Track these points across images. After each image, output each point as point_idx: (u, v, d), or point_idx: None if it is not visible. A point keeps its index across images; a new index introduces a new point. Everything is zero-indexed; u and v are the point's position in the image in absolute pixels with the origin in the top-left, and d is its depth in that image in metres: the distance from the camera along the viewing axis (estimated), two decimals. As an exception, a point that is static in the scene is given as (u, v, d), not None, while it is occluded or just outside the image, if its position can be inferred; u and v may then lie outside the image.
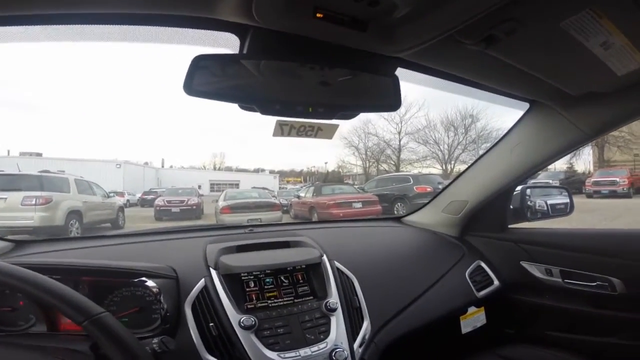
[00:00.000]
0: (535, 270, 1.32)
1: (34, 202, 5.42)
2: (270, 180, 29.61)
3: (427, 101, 21.50)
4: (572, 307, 1.25)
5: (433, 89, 1.05)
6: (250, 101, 0.67)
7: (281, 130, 0.78)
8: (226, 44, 0.70)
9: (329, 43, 0.69)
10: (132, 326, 0.79)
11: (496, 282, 1.35)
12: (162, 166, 31.95)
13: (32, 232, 5.33)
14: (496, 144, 1.34)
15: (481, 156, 1.42)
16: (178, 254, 1.03)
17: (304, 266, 1.00)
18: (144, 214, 10.43)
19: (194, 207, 9.62)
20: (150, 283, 0.81)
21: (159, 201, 9.78)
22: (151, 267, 0.88)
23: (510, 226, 1.48)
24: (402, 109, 21.31)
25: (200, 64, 0.60)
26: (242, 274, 0.93)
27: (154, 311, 0.81)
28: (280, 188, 22.90)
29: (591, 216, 7.28)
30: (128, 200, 14.86)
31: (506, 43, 0.69)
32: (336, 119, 0.77)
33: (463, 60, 0.82)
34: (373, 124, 23.21)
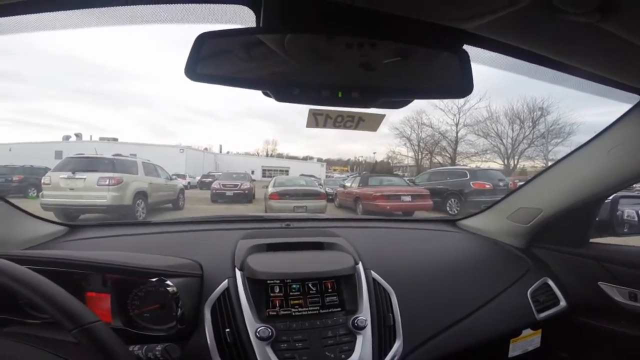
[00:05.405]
0: (616, 293, 1.15)
1: (107, 182, 6.11)
2: (318, 168, 29.99)
3: (490, 91, 19.35)
4: None
5: (508, 72, 0.80)
6: (263, 85, 0.56)
7: (315, 120, 0.68)
8: (240, 19, 0.59)
9: (368, 10, 0.54)
10: (152, 321, 0.82)
11: (562, 303, 1.20)
12: (220, 152, 34.40)
13: (105, 211, 6.08)
14: (586, 144, 1.10)
15: (563, 158, 1.19)
16: (209, 248, 1.04)
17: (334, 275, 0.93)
18: (202, 196, 11.27)
19: (246, 191, 10.08)
20: (169, 283, 0.79)
21: (215, 184, 10.44)
22: (176, 264, 0.88)
23: (591, 241, 1.28)
24: (460, 100, 19.68)
25: (205, 43, 0.52)
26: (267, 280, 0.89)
27: (174, 309, 0.80)
28: (327, 177, 23.04)
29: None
30: (189, 182, 16.25)
31: (633, 14, 0.49)
32: (379, 107, 0.61)
33: (559, 35, 0.60)
34: (427, 114, 21.86)
